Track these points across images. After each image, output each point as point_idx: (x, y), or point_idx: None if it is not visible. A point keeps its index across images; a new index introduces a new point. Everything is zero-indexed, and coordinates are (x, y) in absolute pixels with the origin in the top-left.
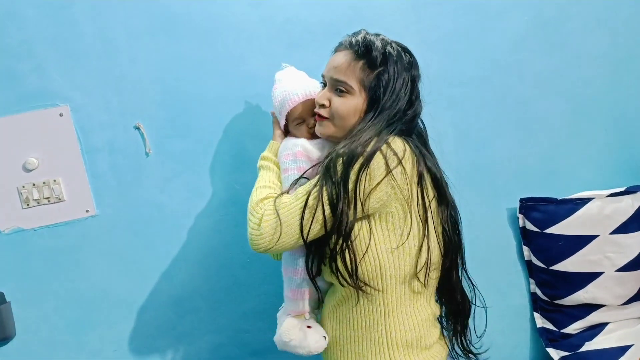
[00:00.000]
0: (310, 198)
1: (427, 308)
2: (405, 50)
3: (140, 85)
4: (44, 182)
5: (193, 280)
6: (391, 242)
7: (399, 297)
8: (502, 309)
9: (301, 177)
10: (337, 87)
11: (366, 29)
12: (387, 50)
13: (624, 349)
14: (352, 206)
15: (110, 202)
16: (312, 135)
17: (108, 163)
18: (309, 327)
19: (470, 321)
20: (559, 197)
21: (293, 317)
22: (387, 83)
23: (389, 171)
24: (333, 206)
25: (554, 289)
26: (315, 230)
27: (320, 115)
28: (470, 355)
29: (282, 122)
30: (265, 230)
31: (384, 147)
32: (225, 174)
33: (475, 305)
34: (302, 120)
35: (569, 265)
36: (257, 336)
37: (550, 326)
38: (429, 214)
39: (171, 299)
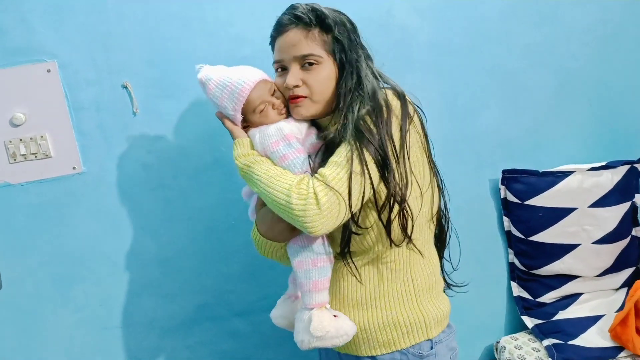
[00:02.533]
0: (355, 163)
1: (435, 253)
2: (339, 12)
3: (128, 43)
4: (30, 138)
5: (179, 240)
6: (418, 188)
7: (421, 241)
8: (481, 278)
9: (310, 156)
10: (305, 62)
11: (293, 4)
12: (328, 14)
13: (595, 319)
14: (397, 159)
15: (97, 159)
16: (282, 116)
17: (95, 121)
18: (335, 316)
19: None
20: (541, 170)
21: (319, 309)
22: (346, 40)
23: (411, 118)
24: (381, 164)
25: (531, 259)
26: (367, 193)
27: (295, 97)
28: (451, 287)
29: (239, 117)
30: (327, 207)
31: (397, 96)
32: (211, 136)
33: (449, 239)
34: (265, 104)
35: (547, 236)
36: (241, 297)
37: (526, 295)
38: (432, 158)
39: (157, 258)
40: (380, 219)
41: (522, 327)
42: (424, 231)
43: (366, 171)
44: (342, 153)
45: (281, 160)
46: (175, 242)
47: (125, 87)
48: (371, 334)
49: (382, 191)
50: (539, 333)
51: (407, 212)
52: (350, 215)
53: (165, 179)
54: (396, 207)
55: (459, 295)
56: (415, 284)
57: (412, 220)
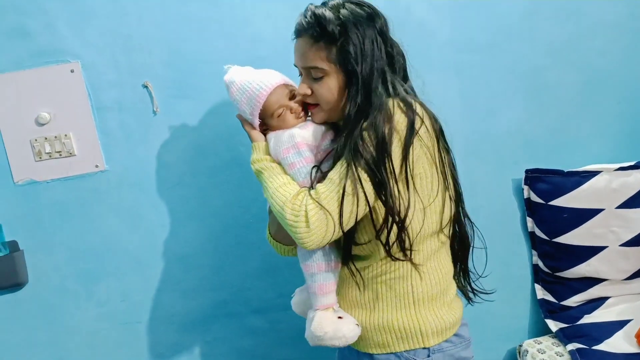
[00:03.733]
0: (348, 183)
1: (447, 262)
2: (361, 4)
3: (148, 45)
4: (55, 137)
5: (197, 238)
6: (420, 202)
7: (424, 253)
8: (504, 280)
9: (314, 167)
10: (312, 74)
11: (313, 3)
12: (341, 17)
13: (622, 323)
14: (394, 177)
15: (118, 158)
16: (300, 119)
17: (117, 120)
18: (340, 317)
19: (470, 263)
20: (566, 170)
21: (322, 310)
22: (355, 50)
23: (416, 132)
24: (377, 183)
25: (556, 261)
26: (361, 213)
27: (310, 105)
28: (476, 295)
29: (257, 122)
30: (316, 226)
31: (402, 109)
32: (229, 135)
33: (473, 247)
34: (283, 109)
35: (573, 238)
36: (259, 294)
37: (550, 298)
38: (447, 169)
39: (176, 255)
40: (378, 237)
41: (546, 331)
42: (428, 243)
43: (361, 191)
44: (338, 170)
45: (289, 168)
46: (194, 239)
47: (146, 87)
48: (368, 333)
49: (381, 209)
50: (563, 337)
51: (405, 234)
52: (341, 232)
53: (185, 177)
54: (395, 228)
55: (482, 296)
56: (415, 293)
57: (411, 242)
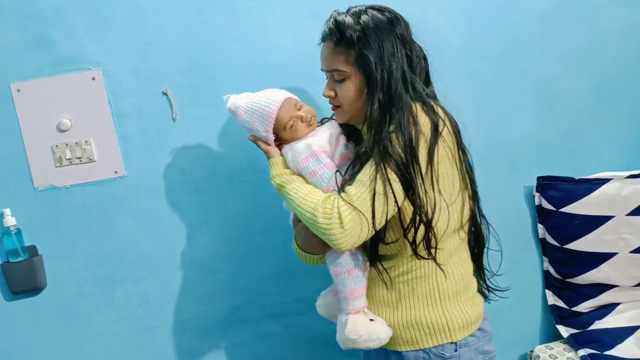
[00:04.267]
0: (378, 184)
1: (467, 258)
2: (382, 9)
3: (167, 53)
4: (76, 143)
5: (214, 243)
6: (444, 201)
7: (447, 250)
8: (515, 285)
9: (337, 171)
10: (335, 77)
11: (337, 10)
12: (361, 22)
13: (633, 329)
14: (421, 177)
15: (137, 164)
16: (312, 127)
17: (136, 127)
18: (371, 320)
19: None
20: (577, 177)
21: (354, 314)
22: (373, 53)
23: (440, 134)
24: (406, 183)
25: (566, 267)
26: (391, 212)
27: (334, 105)
28: (492, 291)
29: (271, 137)
30: (350, 226)
31: (425, 112)
32: (246, 142)
33: (488, 248)
34: (293, 119)
35: (583, 244)
36: (274, 299)
37: (561, 304)
38: (465, 168)
39: (193, 260)
40: (405, 236)
41: (557, 337)
42: (450, 241)
43: (390, 191)
44: (367, 171)
45: (311, 176)
46: (210, 244)
47: (165, 94)
48: (396, 331)
49: (409, 208)
50: (575, 343)
51: (432, 233)
52: (374, 232)
53: (202, 183)
54: (422, 227)
55: (494, 303)
56: (441, 289)
57: (437, 241)
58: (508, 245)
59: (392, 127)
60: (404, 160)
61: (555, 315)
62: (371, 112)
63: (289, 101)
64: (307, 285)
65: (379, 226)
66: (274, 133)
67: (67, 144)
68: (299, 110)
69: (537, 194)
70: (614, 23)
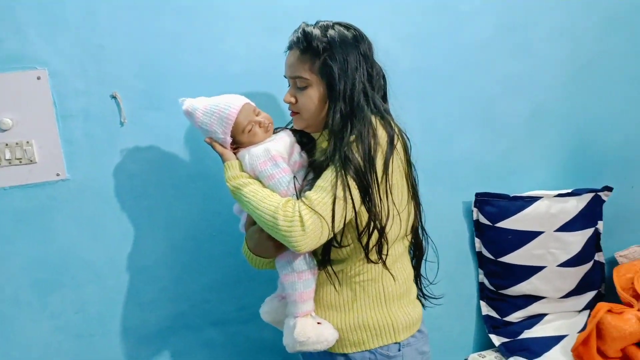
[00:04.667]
0: (339, 189)
1: (409, 265)
2: (349, 27)
3: (119, 56)
4: (16, 143)
5: (158, 249)
6: (395, 209)
7: (393, 256)
8: (452, 296)
9: (295, 175)
10: (297, 84)
11: (306, 22)
12: (328, 35)
13: (559, 338)
14: (377, 186)
15: (81, 167)
16: (268, 133)
17: (82, 129)
18: (318, 323)
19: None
20: (512, 194)
21: (302, 317)
22: (337, 65)
23: (394, 147)
24: (363, 190)
25: (500, 279)
26: (348, 217)
27: (292, 112)
28: (427, 298)
29: (229, 140)
30: (311, 229)
31: (383, 125)
32: (197, 149)
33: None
34: (252, 124)
35: (516, 257)
36: (217, 307)
37: (494, 314)
38: (412, 181)
39: (136, 266)
40: (359, 240)
41: (490, 345)
42: (396, 247)
43: (349, 196)
44: (328, 178)
45: (268, 179)
46: (155, 250)
47: (114, 98)
48: (343, 333)
49: (364, 215)
50: (505, 351)
51: (385, 239)
52: (332, 235)
53: (149, 189)
54: (375, 233)
55: (431, 312)
56: (387, 292)
57: (388, 246)
58: (447, 257)
59: (352, 137)
60: (363, 169)
61: (488, 325)
62: (333, 121)
63: (248, 106)
64: (251, 293)
65: (337, 230)
66: (231, 136)
67: (7, 144)
68: (257, 116)
69: (475, 209)
70: (548, 54)
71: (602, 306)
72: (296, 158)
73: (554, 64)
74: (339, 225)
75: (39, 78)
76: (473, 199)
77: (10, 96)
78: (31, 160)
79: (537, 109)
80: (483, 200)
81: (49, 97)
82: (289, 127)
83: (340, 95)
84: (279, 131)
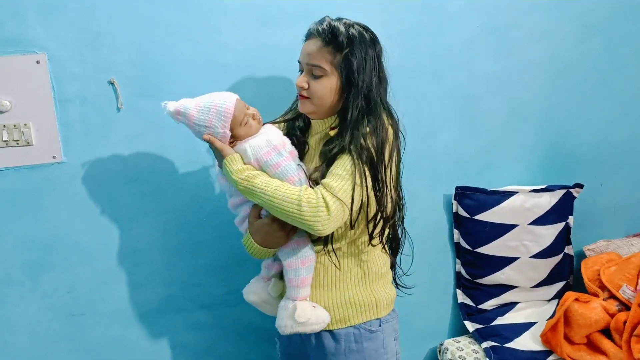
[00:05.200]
0: (357, 177)
1: (385, 252)
2: (367, 29)
3: (116, 43)
4: (14, 125)
5: (150, 233)
6: (396, 197)
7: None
8: (430, 285)
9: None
10: (313, 71)
11: (329, 16)
12: (350, 33)
13: (529, 325)
14: (384, 175)
15: (77, 151)
16: (261, 124)
17: (79, 113)
18: (313, 306)
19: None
20: (490, 188)
21: (301, 301)
22: (357, 62)
23: (399, 144)
24: (374, 178)
25: (476, 268)
26: (361, 201)
27: (302, 96)
28: (400, 288)
29: (229, 134)
30: (335, 214)
31: (390, 122)
32: (189, 136)
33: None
34: (246, 116)
35: (492, 248)
36: (207, 290)
37: (469, 302)
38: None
39: (128, 249)
40: (367, 224)
41: (464, 331)
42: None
43: (364, 183)
44: (345, 166)
45: (275, 168)
46: (146, 234)
47: (112, 84)
48: (330, 311)
49: (372, 201)
50: (479, 337)
51: (390, 223)
52: (349, 218)
53: (142, 174)
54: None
55: (409, 300)
56: (370, 272)
57: (390, 231)
58: (427, 247)
59: (368, 129)
60: (375, 159)
61: (463, 312)
62: (352, 115)
63: (240, 101)
64: (240, 278)
65: (354, 213)
66: (230, 130)
67: (4, 126)
68: (248, 109)
69: (454, 202)
70: (528, 56)
71: (570, 295)
72: (290, 148)
73: (533, 65)
74: (356, 209)
75: (38, 62)
76: (453, 192)
77: (10, 79)
78: (28, 142)
79: (516, 107)
80: (463, 194)
81: (47, 81)
82: (278, 118)
83: (360, 92)
84: (265, 125)
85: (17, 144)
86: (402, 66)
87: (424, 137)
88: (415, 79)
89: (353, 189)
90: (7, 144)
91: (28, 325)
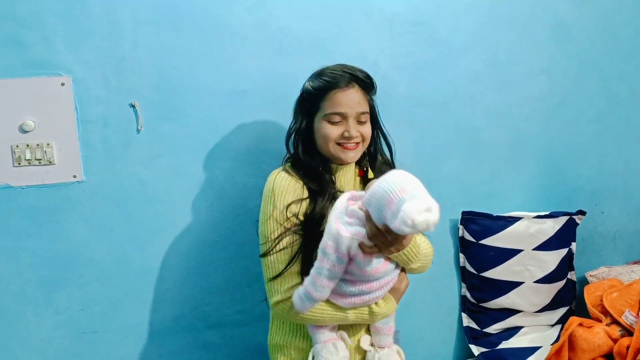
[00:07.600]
0: None
1: None
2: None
3: (139, 68)
4: (37, 145)
5: (164, 252)
6: None
7: None
8: (435, 308)
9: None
10: (361, 119)
11: (340, 63)
12: (372, 78)
13: (533, 350)
14: None
15: (97, 171)
16: None
17: (100, 135)
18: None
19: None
20: (495, 214)
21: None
22: (375, 103)
23: None
24: None
25: (481, 292)
26: None
27: (350, 146)
28: None
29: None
30: None
31: None
32: (207, 159)
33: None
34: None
35: (496, 273)
36: (217, 310)
37: (474, 325)
38: None
39: (142, 268)
40: None
41: (469, 355)
42: None
43: None
44: None
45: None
46: (160, 254)
47: (133, 106)
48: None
49: None
50: None
51: None
52: None
53: (159, 194)
54: None
55: (414, 323)
56: None
57: None
58: (432, 270)
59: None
60: None
61: (469, 336)
62: (374, 147)
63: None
64: (249, 298)
65: None
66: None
67: (27, 145)
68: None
69: (461, 227)
70: (528, 91)
71: (574, 320)
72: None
73: (532, 100)
74: None
75: (62, 84)
76: (459, 217)
77: (35, 100)
78: (50, 162)
79: (517, 138)
80: (468, 219)
81: (71, 102)
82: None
83: (379, 132)
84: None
85: (40, 163)
86: (409, 97)
87: (429, 164)
88: (421, 109)
89: None
90: (29, 163)
91: (40, 342)
